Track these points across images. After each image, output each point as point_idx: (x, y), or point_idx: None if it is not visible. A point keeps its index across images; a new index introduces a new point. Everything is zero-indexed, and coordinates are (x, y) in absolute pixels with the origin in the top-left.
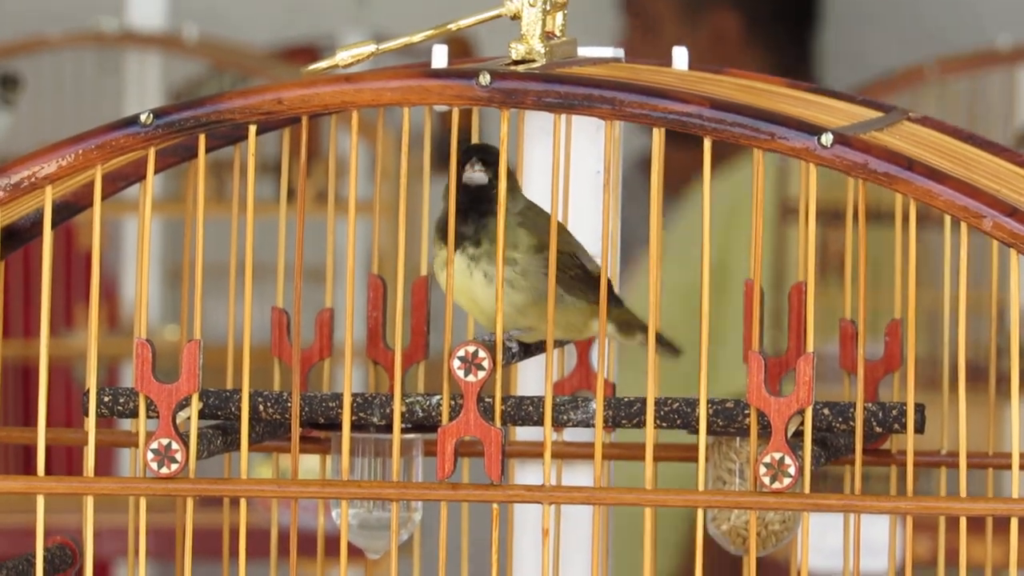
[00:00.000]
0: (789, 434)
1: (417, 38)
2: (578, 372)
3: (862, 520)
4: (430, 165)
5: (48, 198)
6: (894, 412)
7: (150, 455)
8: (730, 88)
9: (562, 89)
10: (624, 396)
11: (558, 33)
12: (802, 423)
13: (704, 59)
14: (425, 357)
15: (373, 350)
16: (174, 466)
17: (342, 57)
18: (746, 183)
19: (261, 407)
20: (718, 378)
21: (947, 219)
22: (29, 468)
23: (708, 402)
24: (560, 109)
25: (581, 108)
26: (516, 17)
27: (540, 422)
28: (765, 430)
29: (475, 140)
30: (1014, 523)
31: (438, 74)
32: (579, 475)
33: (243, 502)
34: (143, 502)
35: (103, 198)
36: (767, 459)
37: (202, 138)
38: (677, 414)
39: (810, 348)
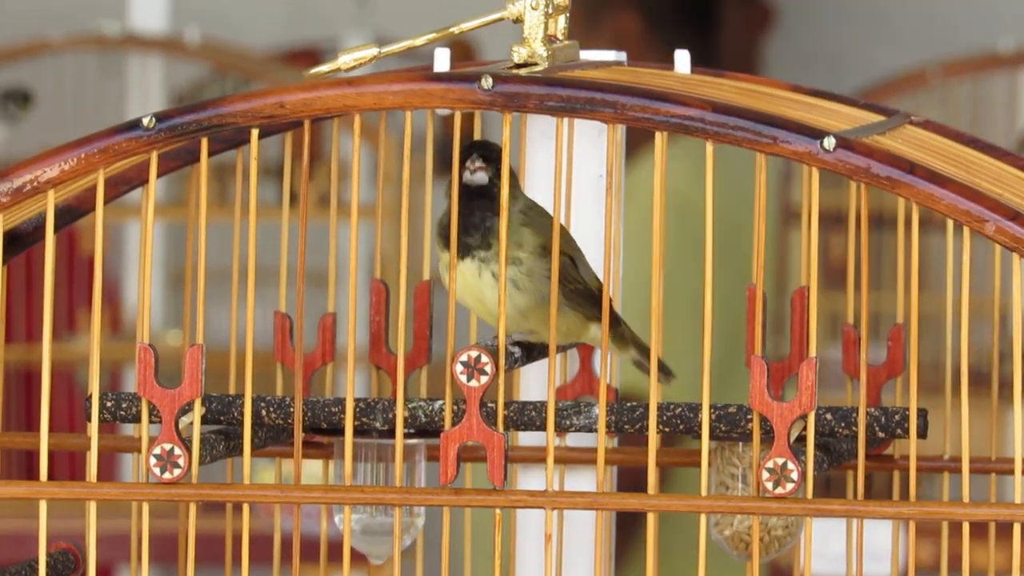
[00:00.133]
0: (792, 439)
1: (419, 41)
2: (581, 377)
3: (865, 526)
4: (432, 169)
5: (50, 202)
6: (897, 417)
7: (153, 460)
8: (732, 91)
9: (564, 93)
10: (626, 401)
11: (560, 37)
12: (805, 428)
13: None
14: (428, 362)
15: (376, 355)
16: (177, 471)
17: (344, 61)
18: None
19: (264, 412)
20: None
21: (949, 223)
22: (32, 473)
23: (711, 407)
24: (562, 113)
25: (583, 112)
26: (518, 20)
27: (543, 427)
28: (768, 435)
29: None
30: (1017, 528)
31: (440, 78)
32: (582, 480)
33: (246, 507)
34: (146, 507)
35: (105, 202)
36: (770, 464)
37: (204, 142)
38: (680, 419)
39: (812, 353)
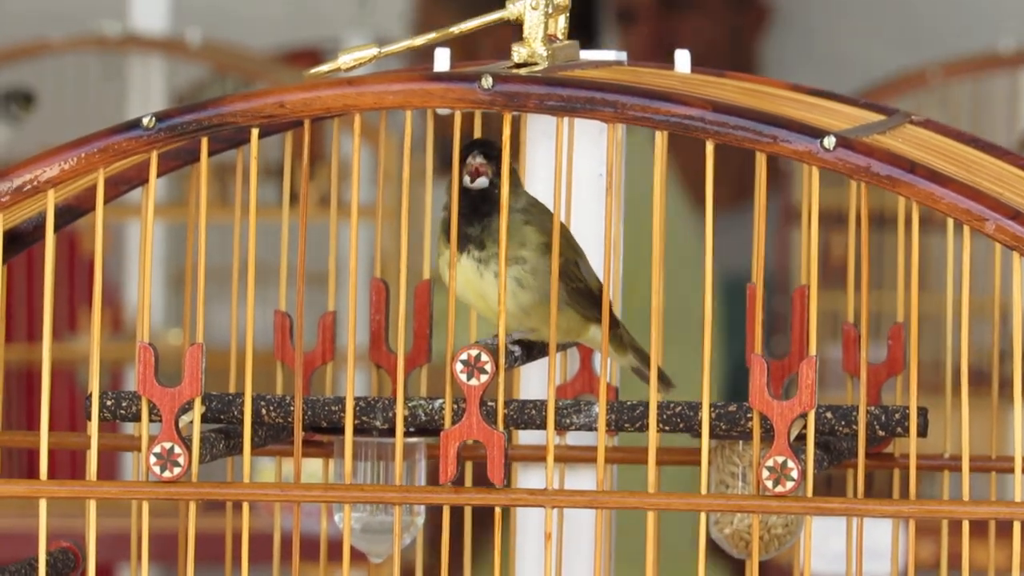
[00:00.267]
0: (792, 438)
1: (419, 41)
2: (581, 376)
3: (865, 524)
4: (432, 168)
5: (50, 202)
6: (897, 416)
7: (152, 459)
8: (732, 91)
9: (564, 92)
10: (626, 400)
11: (560, 36)
12: (805, 427)
13: None
14: (428, 361)
15: (376, 354)
16: (177, 470)
17: (344, 60)
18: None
19: (264, 411)
20: None
21: (949, 222)
22: (33, 473)
23: (711, 406)
24: (562, 112)
25: (583, 111)
26: (518, 21)
27: (543, 426)
28: (768, 434)
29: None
30: (1017, 527)
31: (440, 77)
32: (582, 479)
33: (245, 506)
34: (145, 506)
35: (105, 202)
36: (770, 463)
37: (204, 142)
38: (680, 418)
39: (813, 352)
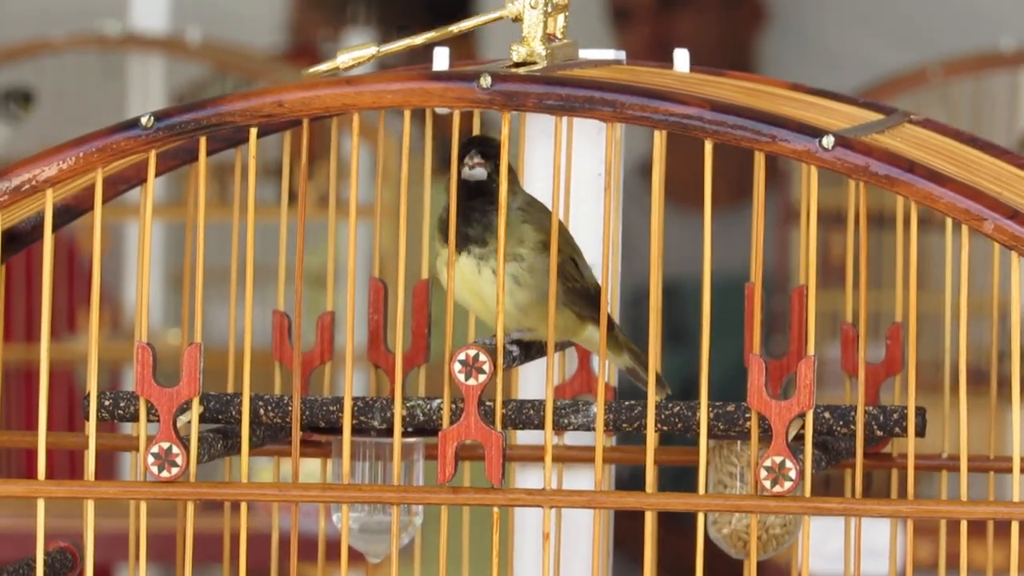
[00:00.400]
0: (790, 438)
1: (418, 40)
2: (579, 376)
3: (864, 525)
4: (431, 168)
5: (49, 201)
6: (895, 416)
7: (151, 459)
8: (731, 90)
9: (563, 91)
10: (624, 400)
11: (559, 35)
12: (803, 427)
13: None
14: (426, 361)
15: (374, 354)
16: (175, 470)
17: (343, 60)
18: None
19: (262, 411)
20: None
21: (948, 222)
22: (32, 473)
23: (709, 406)
24: (561, 111)
25: (582, 110)
26: (518, 19)
27: (541, 426)
28: (766, 434)
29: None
30: (1015, 527)
31: (439, 76)
32: (580, 479)
33: (244, 506)
34: (143, 506)
35: (104, 201)
36: (768, 463)
37: (203, 141)
38: (678, 418)
39: (811, 351)
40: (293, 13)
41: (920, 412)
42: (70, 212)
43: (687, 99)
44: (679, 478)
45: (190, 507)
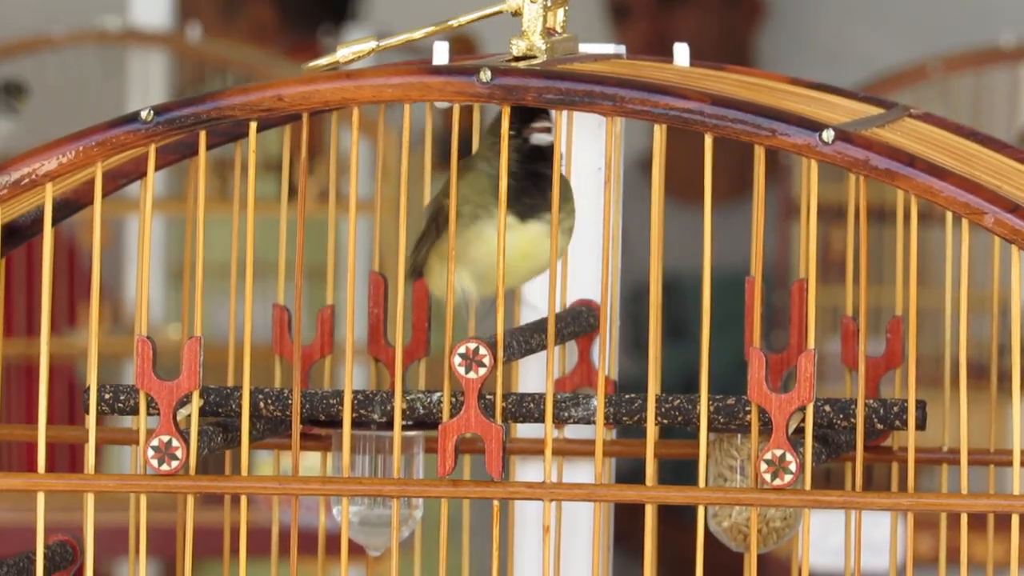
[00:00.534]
0: (790, 431)
1: (418, 35)
2: (579, 369)
3: (865, 519)
4: (431, 162)
5: (48, 196)
6: (895, 409)
7: (150, 452)
8: (732, 84)
9: (563, 85)
10: (625, 393)
11: (559, 29)
12: (803, 420)
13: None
14: (426, 354)
15: (374, 347)
16: (174, 463)
17: (343, 54)
18: None
19: (262, 404)
20: None
21: (948, 216)
22: (31, 466)
23: (709, 399)
24: (561, 106)
25: (582, 104)
26: (517, 13)
27: (541, 419)
28: (766, 427)
29: (475, 138)
30: (1015, 520)
31: (439, 70)
32: (580, 472)
33: (244, 499)
34: (143, 499)
35: (104, 196)
36: (768, 456)
37: (203, 135)
38: (678, 411)
39: (811, 345)
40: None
41: (920, 405)
42: (70, 206)
43: (687, 93)
44: (679, 471)
45: (190, 500)
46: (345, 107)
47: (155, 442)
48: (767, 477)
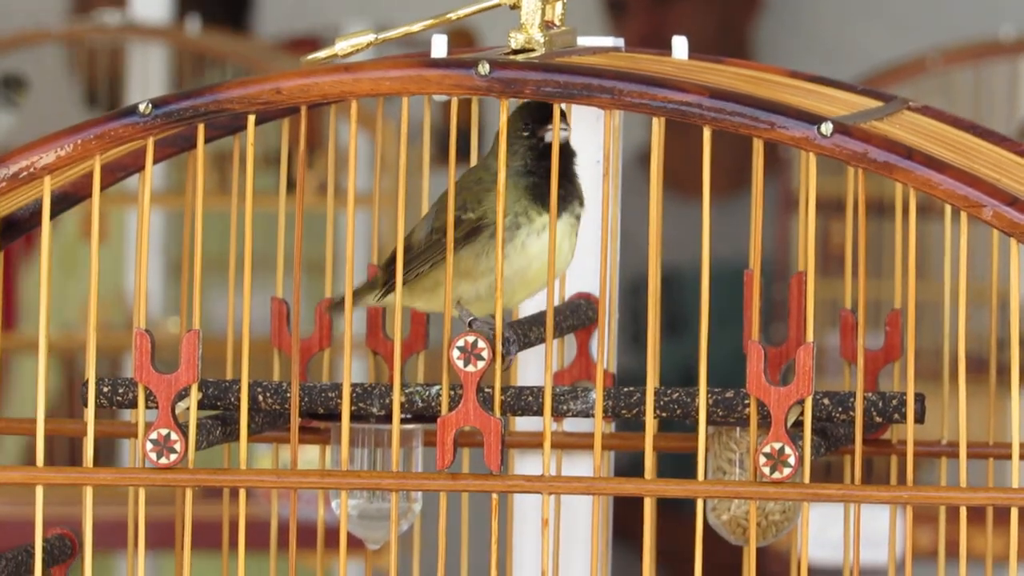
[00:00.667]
0: (789, 424)
1: (416, 28)
2: (578, 362)
3: (864, 512)
4: (430, 155)
5: (47, 188)
6: (894, 402)
7: (149, 445)
8: (730, 77)
9: (561, 78)
10: (623, 386)
11: (557, 23)
12: (802, 413)
13: None
14: (425, 347)
15: (373, 340)
16: (173, 456)
17: (341, 47)
18: None
19: (261, 397)
20: None
21: (947, 208)
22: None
23: (708, 392)
24: (559, 98)
25: (580, 97)
26: (515, 7)
27: (540, 412)
28: (765, 420)
29: (474, 131)
30: (1014, 513)
31: (437, 64)
32: (579, 465)
33: (242, 492)
34: (142, 492)
35: (102, 188)
36: (767, 449)
37: (201, 128)
38: (677, 404)
39: (810, 338)
40: None
41: (919, 398)
42: (68, 199)
43: (685, 86)
44: (678, 465)
45: (189, 493)
46: (343, 100)
47: (154, 435)
48: (766, 470)
